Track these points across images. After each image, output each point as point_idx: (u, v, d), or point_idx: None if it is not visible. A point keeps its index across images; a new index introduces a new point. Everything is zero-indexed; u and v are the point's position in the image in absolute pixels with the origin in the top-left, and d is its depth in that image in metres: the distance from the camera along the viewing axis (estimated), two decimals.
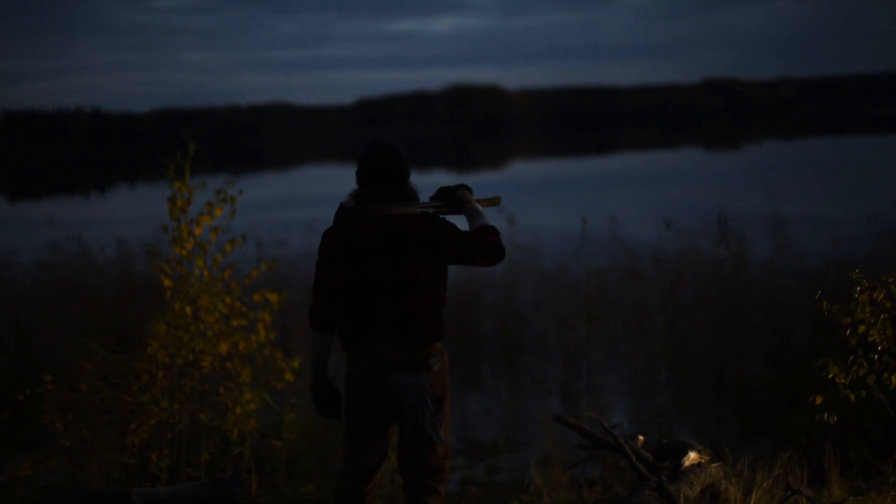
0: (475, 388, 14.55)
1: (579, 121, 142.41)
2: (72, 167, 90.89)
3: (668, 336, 14.56)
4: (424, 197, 5.74)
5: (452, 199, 5.66)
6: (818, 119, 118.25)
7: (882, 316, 6.35)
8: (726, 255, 14.83)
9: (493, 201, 5.87)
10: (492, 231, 5.47)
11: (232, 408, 8.47)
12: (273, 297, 8.95)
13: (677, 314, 14.66)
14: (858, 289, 6.42)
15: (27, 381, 9.15)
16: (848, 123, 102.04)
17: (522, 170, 60.46)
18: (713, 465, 7.26)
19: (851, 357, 6.43)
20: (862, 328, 6.39)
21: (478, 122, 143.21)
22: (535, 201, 30.90)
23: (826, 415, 6.54)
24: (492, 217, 5.72)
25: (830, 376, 6.45)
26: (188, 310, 8.46)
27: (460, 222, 5.72)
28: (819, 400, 6.51)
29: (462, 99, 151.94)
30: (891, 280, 6.37)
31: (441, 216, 5.59)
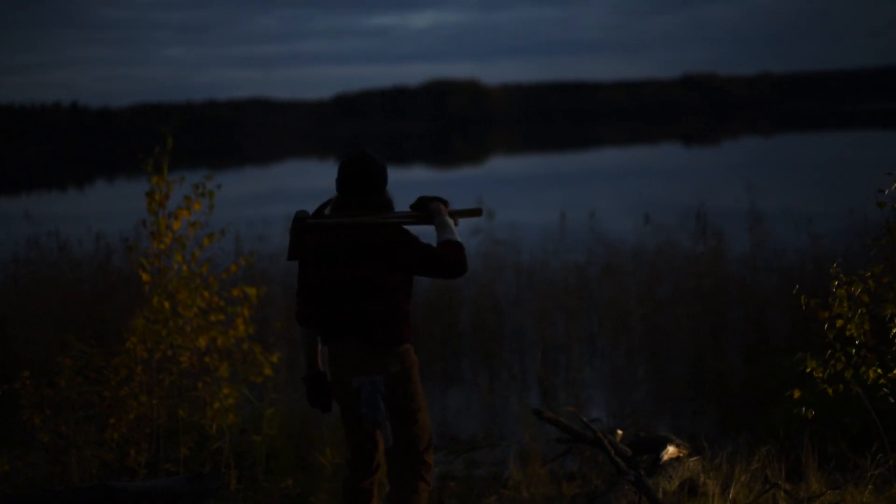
0: (454, 383, 14.56)
1: (558, 116, 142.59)
2: (50, 162, 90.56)
3: (647, 331, 14.59)
4: (401, 206, 5.94)
5: (425, 210, 5.83)
6: (797, 115, 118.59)
7: (859, 310, 6.37)
8: (704, 250, 14.87)
9: (474, 212, 5.98)
10: (454, 246, 5.66)
11: (210, 403, 8.45)
12: (252, 292, 8.95)
13: (656, 309, 14.69)
14: (836, 283, 6.43)
15: (5, 377, 9.10)
16: (826, 119, 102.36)
17: (502, 165, 60.51)
18: (692, 459, 7.27)
19: (829, 351, 6.45)
20: (840, 322, 6.41)
21: (457, 118, 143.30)
22: (514, 196, 30.94)
23: (804, 409, 6.55)
24: (466, 228, 5.85)
25: (808, 370, 6.47)
26: (166, 304, 8.45)
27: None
28: (797, 394, 6.52)
29: (441, 94, 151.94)
30: (868, 275, 6.39)
31: (405, 227, 5.78)
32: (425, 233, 5.93)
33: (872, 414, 7.48)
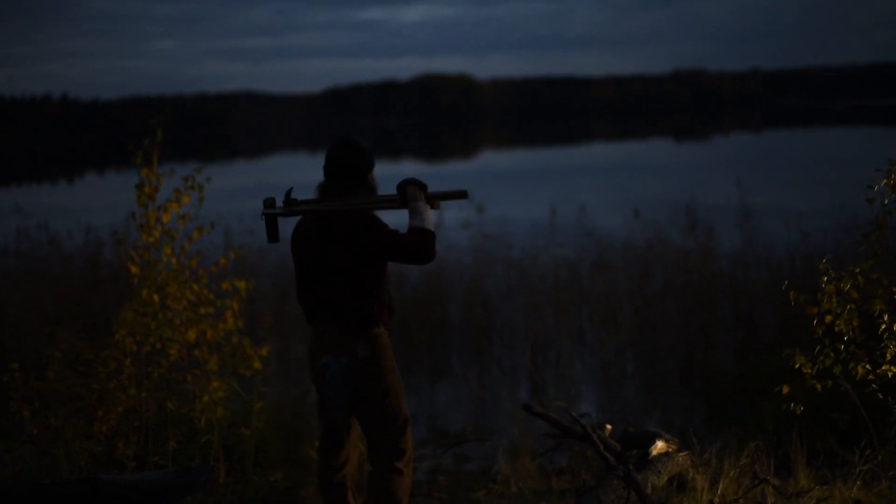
0: (444, 377, 14.57)
1: (549, 111, 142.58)
2: (40, 154, 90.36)
3: (637, 326, 14.60)
4: (386, 190, 5.98)
5: (402, 194, 5.86)
6: (786, 111, 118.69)
7: (848, 306, 6.38)
8: (694, 245, 14.89)
9: (459, 194, 5.95)
10: (422, 233, 5.70)
11: (200, 396, 8.44)
12: (241, 285, 8.94)
13: (646, 304, 14.70)
14: (825, 279, 6.44)
15: None
16: (816, 115, 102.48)
17: (492, 159, 60.52)
18: (680, 454, 7.28)
19: (818, 347, 6.45)
20: (829, 318, 6.42)
21: (447, 112, 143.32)
22: (504, 191, 30.94)
23: (792, 404, 6.56)
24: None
25: (797, 366, 6.47)
26: (156, 297, 8.43)
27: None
28: (786, 389, 6.53)
29: (432, 88, 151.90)
30: (857, 270, 6.39)
31: (376, 212, 5.88)
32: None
33: (861, 409, 7.50)
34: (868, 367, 6.47)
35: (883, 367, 6.46)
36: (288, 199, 5.88)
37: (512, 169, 47.81)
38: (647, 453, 7.18)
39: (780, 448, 8.23)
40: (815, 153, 48.77)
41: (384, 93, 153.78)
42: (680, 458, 7.25)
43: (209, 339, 8.76)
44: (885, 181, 6.46)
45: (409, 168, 47.13)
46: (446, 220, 16.82)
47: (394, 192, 5.91)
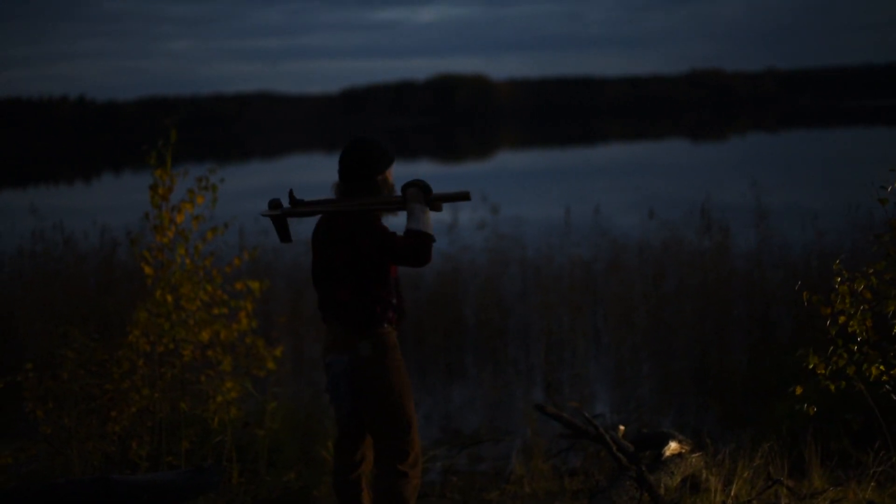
0: (458, 378, 14.57)
1: (565, 111, 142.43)
2: (56, 155, 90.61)
3: (652, 326, 14.57)
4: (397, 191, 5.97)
5: (402, 196, 5.86)
6: (803, 111, 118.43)
7: (861, 307, 6.35)
8: (710, 245, 14.85)
9: (461, 196, 5.91)
10: (417, 236, 5.69)
11: (213, 396, 8.45)
12: (255, 286, 8.95)
13: (661, 305, 14.67)
14: (839, 279, 6.42)
15: (8, 369, 9.11)
16: (832, 115, 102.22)
17: (508, 160, 60.47)
18: (694, 455, 7.26)
19: (831, 348, 6.43)
20: (842, 319, 6.39)
21: (463, 112, 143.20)
22: (519, 191, 30.93)
23: (806, 405, 6.54)
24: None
25: (811, 366, 6.45)
26: (169, 298, 8.45)
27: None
28: (799, 390, 6.51)
29: (447, 88, 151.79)
30: (871, 271, 6.37)
31: (376, 213, 5.88)
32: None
33: (875, 411, 7.47)
34: (882, 367, 6.44)
35: None
36: (292, 200, 5.89)
37: (527, 169, 47.77)
38: (661, 454, 7.15)
39: (795, 449, 8.21)
40: (831, 153, 48.67)
41: (400, 93, 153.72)
42: (693, 459, 7.22)
43: (223, 339, 8.77)
44: None
45: (425, 168, 47.11)
46: (461, 220, 16.82)
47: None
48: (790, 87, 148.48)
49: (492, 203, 16.99)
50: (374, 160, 5.86)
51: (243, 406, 8.97)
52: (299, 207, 5.86)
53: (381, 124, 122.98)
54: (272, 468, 8.67)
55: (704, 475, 7.21)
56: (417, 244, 5.68)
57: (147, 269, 8.59)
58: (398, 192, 5.91)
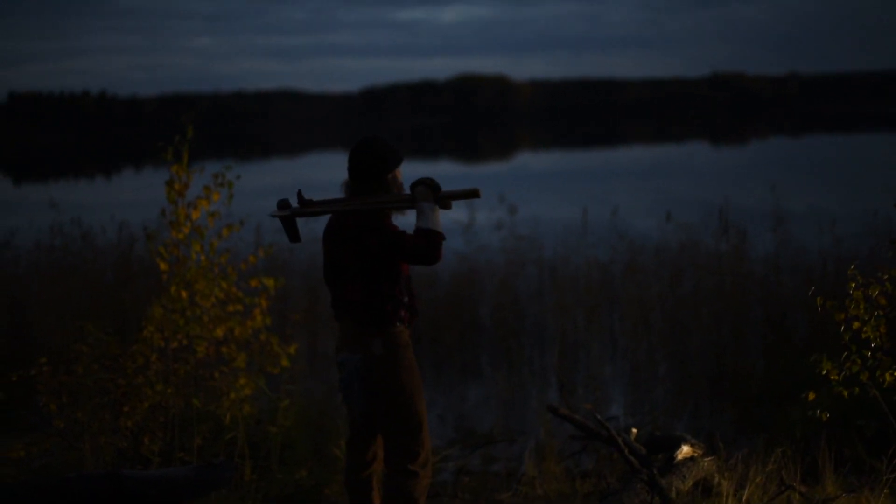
0: (473, 378, 14.57)
1: (585, 112, 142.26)
2: (77, 150, 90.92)
3: (667, 329, 14.55)
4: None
5: (411, 194, 5.86)
6: (825, 115, 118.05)
7: (876, 313, 6.33)
8: (727, 249, 14.80)
9: (471, 193, 5.92)
10: (427, 235, 5.71)
11: (226, 393, 8.45)
12: (270, 283, 8.95)
13: (676, 307, 14.64)
14: (853, 285, 6.39)
15: (23, 363, 9.13)
16: (854, 121, 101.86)
17: (528, 161, 60.43)
18: (706, 459, 7.24)
19: (845, 353, 6.40)
20: (856, 325, 6.37)
21: (484, 112, 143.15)
22: (538, 192, 30.90)
23: (818, 411, 6.51)
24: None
25: (824, 372, 6.43)
26: (184, 294, 8.46)
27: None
28: (812, 396, 6.49)
29: (469, 89, 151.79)
30: (885, 277, 6.34)
31: (383, 212, 5.87)
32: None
33: (889, 417, 7.43)
34: (895, 374, 6.42)
35: None
36: (300, 200, 5.90)
37: (547, 170, 47.76)
38: (673, 457, 7.13)
39: (808, 454, 8.18)
40: (852, 158, 48.50)
41: (421, 93, 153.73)
42: (705, 463, 7.20)
43: (237, 336, 8.77)
44: None
45: (445, 168, 47.13)
46: (478, 221, 16.81)
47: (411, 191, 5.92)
48: (812, 92, 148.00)
49: (509, 204, 16.97)
50: (381, 159, 5.87)
51: (256, 403, 8.98)
52: (308, 207, 5.87)
53: (402, 124, 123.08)
54: (284, 465, 8.68)
55: (717, 479, 7.18)
56: (428, 243, 5.69)
57: (162, 265, 8.60)
58: (407, 191, 5.91)
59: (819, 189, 30.22)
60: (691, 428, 11.50)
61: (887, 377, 6.38)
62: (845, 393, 6.46)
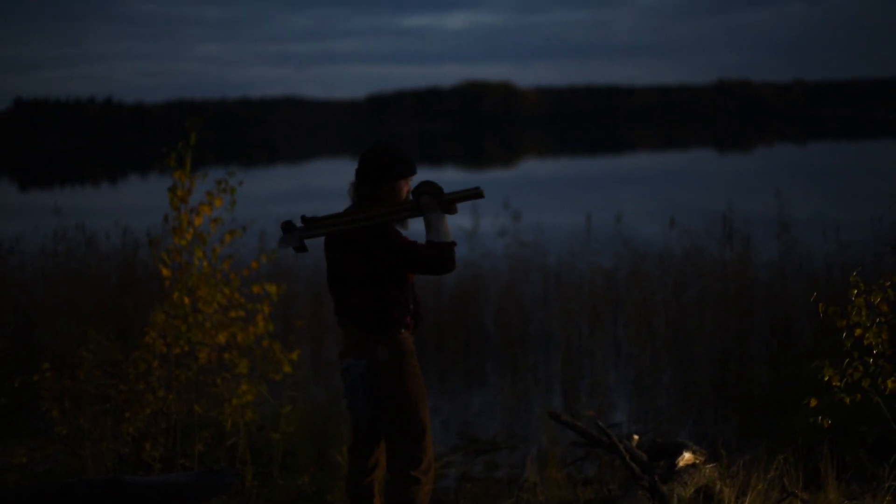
0: (477, 384, 14.55)
1: (591, 119, 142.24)
2: (83, 156, 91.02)
3: (672, 336, 14.53)
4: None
5: (417, 202, 5.87)
6: (830, 122, 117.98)
7: (878, 319, 6.33)
8: (731, 256, 14.78)
9: (474, 193, 5.93)
10: (439, 247, 5.74)
11: (228, 399, 8.45)
12: (272, 289, 8.95)
13: (681, 314, 14.62)
14: (855, 292, 6.38)
15: (27, 367, 9.14)
16: (860, 127, 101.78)
17: (533, 167, 60.42)
18: (708, 465, 7.22)
19: (847, 360, 6.40)
20: (858, 331, 6.36)
21: (490, 119, 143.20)
22: (543, 199, 30.90)
23: (820, 418, 6.51)
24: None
25: (825, 378, 6.42)
26: (187, 300, 8.46)
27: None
28: (813, 402, 6.48)
29: (474, 95, 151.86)
30: (888, 284, 6.33)
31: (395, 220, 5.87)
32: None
33: (891, 424, 7.42)
34: None
35: None
36: (304, 221, 5.90)
37: (552, 177, 47.73)
38: (674, 464, 7.12)
39: (810, 461, 8.16)
40: (858, 165, 48.45)
41: (427, 99, 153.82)
42: (707, 470, 7.19)
43: (239, 342, 8.78)
44: None
45: (451, 175, 47.12)
46: (482, 227, 16.80)
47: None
48: (818, 99, 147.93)
49: (514, 210, 16.97)
50: (388, 166, 5.86)
51: (259, 409, 8.98)
52: (314, 227, 5.86)
53: (408, 130, 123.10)
54: (286, 472, 8.68)
55: (718, 486, 7.17)
56: (440, 255, 5.73)
57: (165, 271, 8.60)
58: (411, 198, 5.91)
59: (824, 195, 30.20)
60: (695, 435, 11.48)
61: (889, 384, 6.38)
62: (847, 399, 6.46)
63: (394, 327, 5.81)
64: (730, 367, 13.50)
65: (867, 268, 12.86)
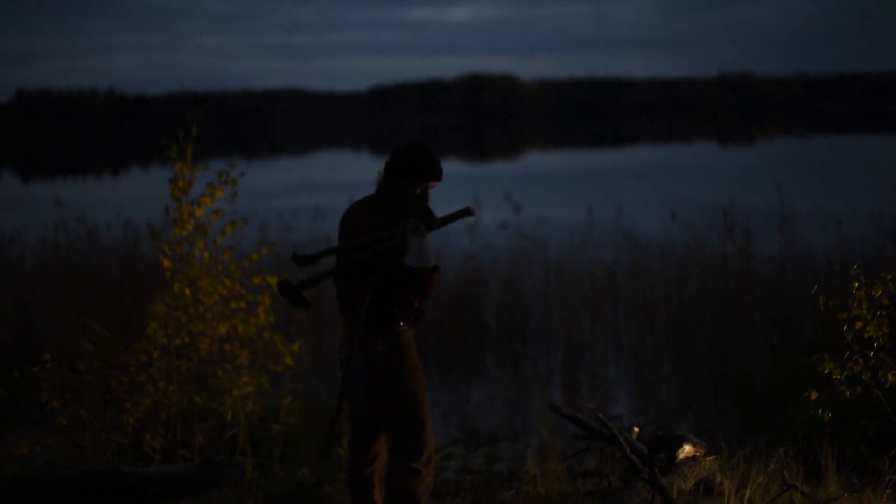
0: (477, 377, 14.56)
1: (593, 112, 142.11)
2: (85, 148, 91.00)
3: (672, 329, 14.53)
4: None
5: (407, 227, 5.81)
6: (832, 116, 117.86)
7: (878, 312, 6.32)
8: (732, 249, 14.78)
9: (464, 213, 5.91)
10: (411, 273, 5.71)
11: (229, 390, 8.45)
12: (273, 281, 8.93)
13: (681, 307, 14.63)
14: (856, 284, 6.38)
15: (28, 359, 9.14)
16: (862, 120, 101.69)
17: (535, 160, 60.38)
18: (708, 458, 7.22)
19: (847, 353, 6.39)
20: (859, 324, 6.36)
21: (492, 112, 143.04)
22: (544, 192, 30.88)
23: (820, 411, 6.50)
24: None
25: (826, 371, 6.42)
26: (187, 291, 8.45)
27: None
28: (814, 395, 6.47)
29: (476, 88, 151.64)
30: (888, 277, 6.33)
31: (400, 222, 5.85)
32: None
33: (892, 417, 7.42)
34: None
35: None
36: (296, 259, 5.93)
37: (554, 170, 47.71)
38: (674, 457, 7.12)
39: (811, 454, 8.16)
40: (860, 159, 48.40)
41: (429, 92, 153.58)
42: (707, 463, 7.19)
43: (240, 333, 8.77)
44: None
45: (453, 168, 47.07)
46: (484, 220, 16.80)
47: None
48: (819, 92, 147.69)
49: (515, 203, 16.97)
50: (415, 169, 5.88)
51: (259, 401, 8.98)
52: (307, 265, 5.93)
53: (410, 123, 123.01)
54: (286, 463, 8.68)
55: (718, 479, 7.17)
56: (415, 280, 5.72)
57: (166, 263, 8.60)
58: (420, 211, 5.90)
59: (825, 189, 30.19)
60: (695, 428, 11.48)
61: (889, 377, 6.37)
62: (847, 393, 6.45)
63: (394, 321, 5.82)
64: (730, 360, 13.52)
65: (868, 261, 12.86)
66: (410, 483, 5.86)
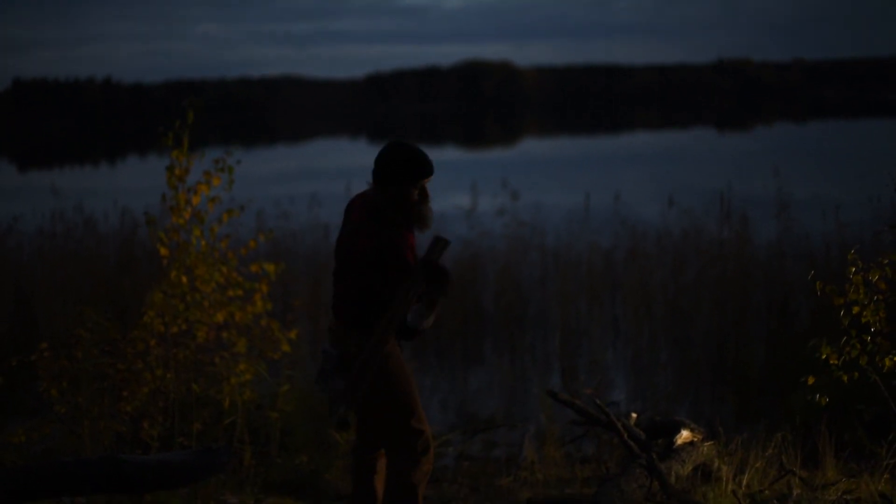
0: (476, 363, 14.57)
1: (591, 99, 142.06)
2: (82, 137, 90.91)
3: (669, 315, 14.55)
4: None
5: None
6: (830, 102, 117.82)
7: (875, 297, 6.32)
8: (729, 235, 14.79)
9: (442, 244, 5.84)
10: (410, 332, 5.78)
11: (226, 378, 8.45)
12: (270, 268, 8.93)
13: (679, 294, 14.64)
14: (853, 270, 6.38)
15: (26, 348, 9.14)
16: (860, 107, 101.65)
17: (533, 147, 60.35)
18: (706, 444, 7.23)
19: (844, 338, 6.39)
20: (856, 309, 6.35)
21: (489, 99, 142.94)
22: (542, 179, 30.88)
23: (818, 396, 6.50)
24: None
25: (823, 357, 6.42)
26: (184, 279, 8.45)
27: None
28: (811, 380, 6.47)
29: (474, 75, 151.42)
30: (885, 262, 6.33)
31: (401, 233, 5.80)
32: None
33: (889, 402, 7.42)
34: (895, 359, 6.40)
35: None
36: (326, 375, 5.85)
37: (552, 157, 47.69)
38: (672, 442, 7.12)
39: (808, 439, 8.17)
40: (858, 145, 48.40)
41: (426, 79, 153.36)
42: (705, 448, 7.19)
43: (237, 321, 8.76)
44: None
45: (451, 155, 47.00)
46: (481, 206, 16.80)
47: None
48: (817, 78, 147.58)
49: (512, 189, 16.96)
50: (404, 171, 5.75)
51: (257, 388, 8.97)
52: (355, 392, 5.74)
53: (408, 110, 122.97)
54: (284, 451, 8.69)
55: (716, 464, 7.18)
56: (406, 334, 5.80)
57: (162, 250, 8.59)
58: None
59: (823, 175, 30.18)
60: (693, 414, 11.49)
61: (887, 362, 6.37)
62: (845, 378, 6.45)
63: (371, 319, 5.74)
64: (728, 345, 13.54)
65: (866, 247, 12.86)
66: (406, 470, 5.86)
